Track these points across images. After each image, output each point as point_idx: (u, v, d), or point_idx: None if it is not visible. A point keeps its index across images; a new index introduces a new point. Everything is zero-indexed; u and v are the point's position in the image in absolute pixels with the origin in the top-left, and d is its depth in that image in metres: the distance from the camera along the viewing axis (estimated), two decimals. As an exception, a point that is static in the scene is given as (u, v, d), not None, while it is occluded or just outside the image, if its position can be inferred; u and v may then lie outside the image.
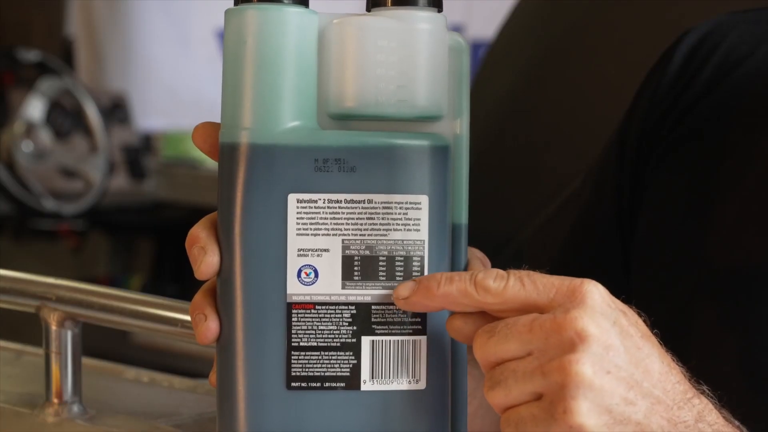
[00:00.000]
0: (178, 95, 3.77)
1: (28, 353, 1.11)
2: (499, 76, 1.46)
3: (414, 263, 0.69)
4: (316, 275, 0.68)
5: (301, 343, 0.68)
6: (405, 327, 0.69)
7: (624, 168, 0.94)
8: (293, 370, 0.68)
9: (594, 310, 0.64)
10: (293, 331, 0.68)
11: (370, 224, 0.68)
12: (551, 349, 0.63)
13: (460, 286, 0.66)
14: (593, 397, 0.62)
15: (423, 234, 0.69)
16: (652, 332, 0.66)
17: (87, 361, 0.97)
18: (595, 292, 0.64)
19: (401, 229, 0.68)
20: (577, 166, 1.07)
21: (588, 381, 0.62)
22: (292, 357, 0.68)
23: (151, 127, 3.67)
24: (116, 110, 3.51)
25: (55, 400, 0.91)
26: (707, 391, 0.67)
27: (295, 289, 0.68)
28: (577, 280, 0.65)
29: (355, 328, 0.68)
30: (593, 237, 0.96)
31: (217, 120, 0.70)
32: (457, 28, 2.81)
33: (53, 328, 0.90)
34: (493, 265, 0.72)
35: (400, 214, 0.68)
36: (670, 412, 0.64)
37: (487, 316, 0.67)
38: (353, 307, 0.68)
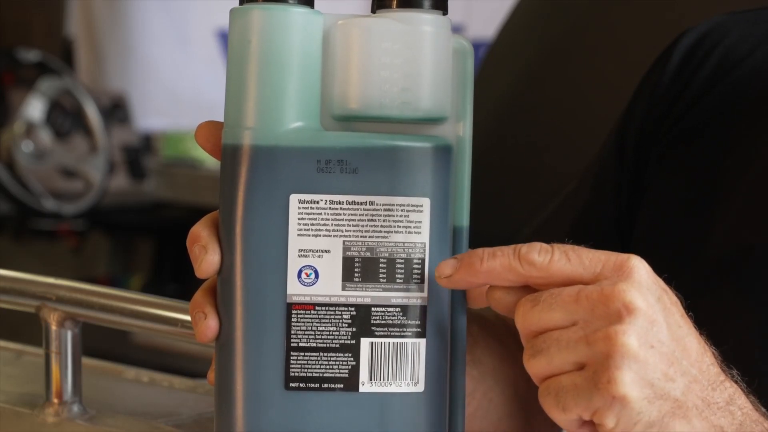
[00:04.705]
0: (178, 95, 3.77)
1: (28, 353, 1.11)
2: (499, 76, 1.47)
3: (415, 266, 0.69)
4: (317, 276, 0.68)
5: (301, 344, 0.68)
6: (404, 329, 0.69)
7: (623, 167, 0.94)
8: (292, 370, 0.68)
9: (641, 285, 0.64)
10: (293, 332, 0.68)
11: (372, 226, 0.68)
12: (597, 319, 0.63)
13: (503, 261, 0.66)
14: (637, 369, 0.63)
15: (424, 237, 0.69)
16: (687, 314, 0.67)
17: (87, 361, 0.97)
18: (641, 267, 0.65)
19: (402, 232, 0.68)
20: (577, 166, 1.07)
21: (633, 352, 0.63)
22: (291, 357, 0.68)
23: (151, 127, 3.67)
24: (116, 110, 3.52)
25: (55, 400, 0.91)
26: (736, 376, 0.68)
27: (295, 290, 0.68)
28: (623, 255, 0.65)
29: (354, 329, 0.68)
30: (593, 236, 0.96)
31: (218, 119, 0.70)
32: (457, 29, 2.81)
33: (53, 328, 0.90)
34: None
35: (401, 216, 0.68)
36: (705, 392, 0.65)
37: (528, 289, 0.67)
38: (353, 309, 0.68)
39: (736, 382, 0.68)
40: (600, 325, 0.63)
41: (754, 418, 0.67)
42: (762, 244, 0.84)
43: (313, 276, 0.68)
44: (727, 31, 0.93)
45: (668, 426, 0.63)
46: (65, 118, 3.22)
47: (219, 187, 0.68)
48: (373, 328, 0.68)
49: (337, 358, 0.68)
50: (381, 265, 0.68)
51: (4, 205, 3.12)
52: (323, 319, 0.68)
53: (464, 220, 0.71)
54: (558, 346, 0.64)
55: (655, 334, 0.64)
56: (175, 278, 3.43)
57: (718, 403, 0.66)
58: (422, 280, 0.69)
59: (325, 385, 0.68)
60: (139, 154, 3.51)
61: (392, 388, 0.68)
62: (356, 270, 0.68)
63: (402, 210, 0.68)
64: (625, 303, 0.63)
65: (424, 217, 0.68)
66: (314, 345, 0.68)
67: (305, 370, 0.68)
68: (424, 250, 0.69)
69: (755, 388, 0.70)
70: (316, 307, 0.68)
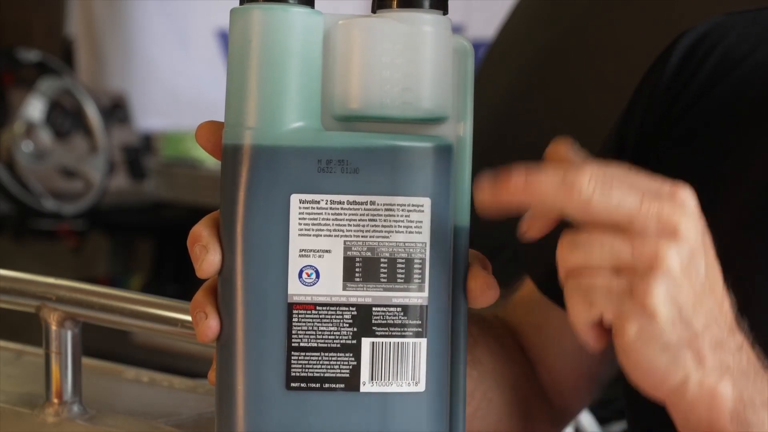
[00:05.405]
0: (178, 95, 3.77)
1: (28, 353, 1.11)
2: (499, 77, 1.47)
3: (415, 266, 0.69)
4: (318, 276, 0.68)
5: (302, 344, 0.68)
6: (405, 329, 0.69)
7: (623, 167, 0.94)
8: (293, 370, 0.68)
9: (695, 216, 0.66)
10: (293, 332, 0.68)
11: (372, 226, 0.68)
12: (650, 234, 0.64)
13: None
14: (674, 290, 0.64)
15: (425, 236, 0.69)
16: None
17: (87, 361, 0.97)
18: (694, 201, 0.66)
19: (403, 232, 0.68)
20: (577, 167, 1.07)
21: (675, 273, 0.64)
22: (292, 357, 0.68)
23: (151, 127, 3.67)
24: (116, 110, 3.52)
25: (55, 400, 0.91)
26: (746, 328, 0.69)
27: (296, 290, 0.68)
28: (676, 184, 0.66)
29: (355, 329, 0.68)
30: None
31: (218, 119, 0.70)
32: (457, 29, 2.81)
33: (53, 328, 0.90)
34: (493, 267, 0.72)
35: (402, 216, 0.68)
36: (721, 333, 0.66)
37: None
38: (354, 309, 0.68)
39: (744, 333, 0.69)
40: (651, 239, 0.64)
41: (757, 368, 0.68)
42: (762, 244, 0.84)
43: (314, 276, 0.68)
44: (727, 31, 0.93)
45: (679, 354, 0.64)
46: (65, 118, 3.22)
47: (219, 187, 0.68)
48: (374, 328, 0.68)
49: (338, 358, 0.68)
50: (382, 265, 0.68)
51: (4, 205, 3.12)
52: (324, 319, 0.68)
53: (465, 220, 0.71)
54: (601, 242, 0.64)
55: (695, 265, 0.65)
56: (175, 278, 3.43)
57: (730, 347, 0.66)
58: (423, 280, 0.69)
59: (326, 385, 0.68)
60: (139, 154, 3.51)
61: (393, 388, 0.68)
62: (357, 270, 0.68)
63: (403, 210, 0.68)
64: (678, 227, 0.64)
65: (425, 217, 0.68)
66: (315, 345, 0.68)
67: (306, 370, 0.68)
68: (425, 250, 0.69)
69: None
70: (317, 307, 0.68)
